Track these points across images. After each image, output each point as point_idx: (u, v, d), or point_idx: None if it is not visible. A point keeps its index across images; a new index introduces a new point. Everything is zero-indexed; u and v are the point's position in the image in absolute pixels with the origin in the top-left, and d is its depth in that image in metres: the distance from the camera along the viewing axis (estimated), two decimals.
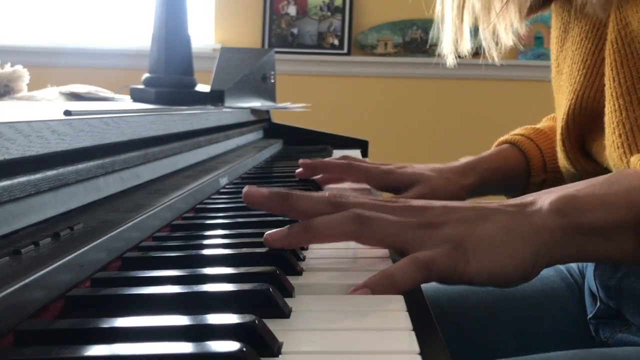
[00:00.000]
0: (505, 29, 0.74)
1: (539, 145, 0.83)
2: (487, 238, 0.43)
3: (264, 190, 0.48)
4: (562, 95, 0.69)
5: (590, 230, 0.45)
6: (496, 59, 0.77)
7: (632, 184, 0.47)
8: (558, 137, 0.70)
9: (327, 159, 0.84)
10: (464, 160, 0.83)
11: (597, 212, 0.45)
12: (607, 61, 0.60)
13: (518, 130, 0.86)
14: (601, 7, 0.59)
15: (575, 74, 0.66)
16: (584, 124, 0.67)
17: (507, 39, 0.76)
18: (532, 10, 0.71)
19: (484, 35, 0.75)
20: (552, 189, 0.49)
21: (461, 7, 0.74)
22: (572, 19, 0.67)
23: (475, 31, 0.76)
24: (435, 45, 0.80)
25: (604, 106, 0.61)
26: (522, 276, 0.44)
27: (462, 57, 0.77)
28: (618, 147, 0.58)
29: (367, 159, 0.87)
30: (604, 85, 0.61)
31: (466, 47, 0.77)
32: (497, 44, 0.76)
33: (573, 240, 0.45)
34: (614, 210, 0.45)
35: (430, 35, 0.80)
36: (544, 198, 0.47)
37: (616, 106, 0.58)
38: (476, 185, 0.81)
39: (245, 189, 0.48)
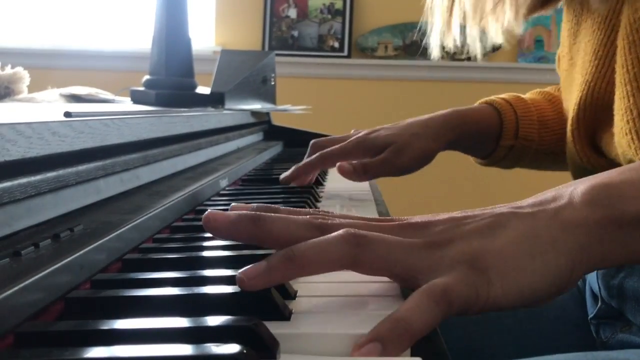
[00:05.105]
0: (498, 28, 0.75)
1: (516, 111, 0.85)
2: (509, 250, 0.36)
3: (231, 213, 0.39)
4: (574, 87, 0.69)
5: (638, 223, 0.38)
6: (479, 57, 0.78)
7: None
8: (568, 127, 0.70)
9: (302, 163, 0.81)
10: (440, 113, 0.85)
11: None
12: (619, 48, 0.59)
13: (502, 95, 0.89)
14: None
15: (587, 65, 0.66)
16: (595, 115, 0.66)
17: (497, 37, 0.77)
18: (531, 10, 0.71)
19: (471, 31, 0.76)
20: (574, 181, 0.41)
21: (452, 1, 0.75)
22: (584, 11, 0.67)
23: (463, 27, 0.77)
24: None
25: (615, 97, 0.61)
26: (558, 289, 0.37)
27: (448, 51, 0.79)
28: (626, 134, 0.57)
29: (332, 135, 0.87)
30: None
31: (452, 41, 0.78)
32: (481, 41, 0.77)
33: (616, 237, 0.37)
34: None
35: (419, 24, 0.81)
36: (570, 190, 0.39)
37: (624, 92, 0.58)
38: (450, 140, 0.83)
39: (207, 213, 0.39)
